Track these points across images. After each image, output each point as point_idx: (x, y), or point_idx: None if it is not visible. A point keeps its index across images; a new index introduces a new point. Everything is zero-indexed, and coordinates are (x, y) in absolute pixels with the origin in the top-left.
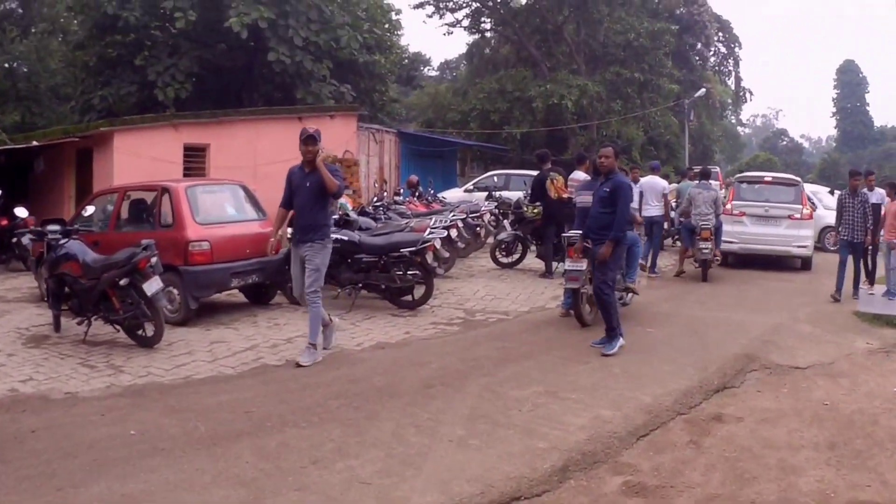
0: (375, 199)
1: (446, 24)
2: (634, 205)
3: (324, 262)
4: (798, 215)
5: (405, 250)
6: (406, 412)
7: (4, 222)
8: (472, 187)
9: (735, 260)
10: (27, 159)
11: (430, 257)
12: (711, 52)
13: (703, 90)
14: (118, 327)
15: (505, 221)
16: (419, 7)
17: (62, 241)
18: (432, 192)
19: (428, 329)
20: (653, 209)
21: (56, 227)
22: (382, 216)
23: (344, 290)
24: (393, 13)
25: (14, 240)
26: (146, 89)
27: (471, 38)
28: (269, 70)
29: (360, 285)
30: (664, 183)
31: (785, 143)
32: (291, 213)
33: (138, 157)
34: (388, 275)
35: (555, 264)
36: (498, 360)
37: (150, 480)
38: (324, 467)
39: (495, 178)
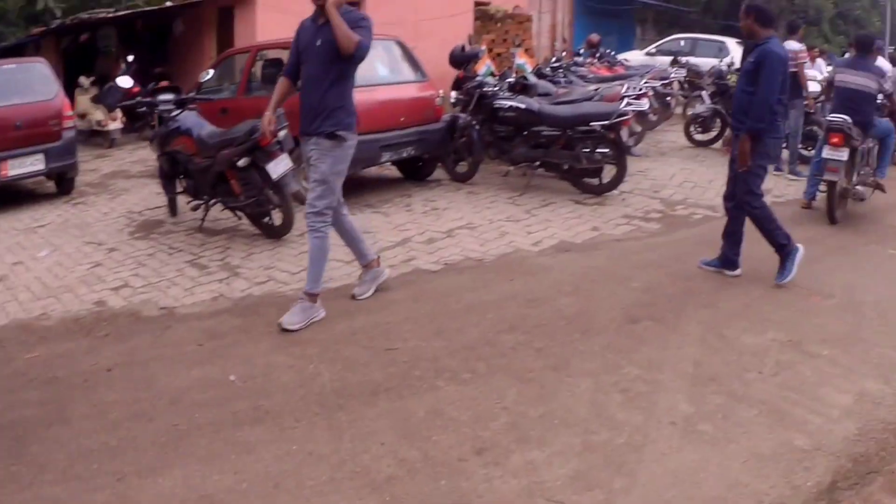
0: (554, 59)
1: None
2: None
3: (336, 169)
4: None
5: (596, 124)
6: (606, 363)
7: (136, 90)
8: (654, 51)
9: None
10: (168, 22)
11: (624, 133)
12: None
13: None
14: (240, 214)
15: (703, 93)
16: None
17: (175, 113)
18: (612, 53)
19: (620, 225)
20: None
21: (168, 97)
22: (562, 80)
23: (517, 168)
24: None
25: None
26: None
27: None
28: None
29: (538, 163)
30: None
31: None
32: None
33: (284, 14)
34: (572, 152)
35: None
36: (717, 282)
37: (243, 471)
38: (493, 462)
39: (682, 42)
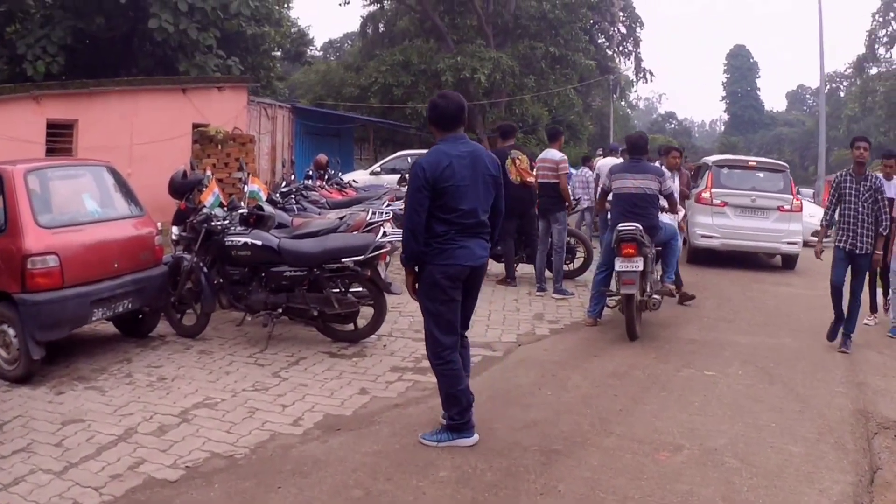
0: (284, 184)
1: None
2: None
3: None
4: (788, 206)
5: (349, 260)
6: None
7: None
8: (379, 169)
9: (704, 255)
10: None
11: (382, 269)
12: (612, 31)
13: (631, 66)
14: None
15: None
16: None
17: None
18: (340, 174)
19: (392, 382)
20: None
21: None
22: (295, 206)
23: (256, 318)
24: None
25: None
26: (16, 64)
27: (365, 11)
28: (150, 42)
29: (280, 310)
30: None
31: (673, 125)
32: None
33: None
34: (321, 295)
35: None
36: (537, 450)
37: None
38: None
39: (409, 159)
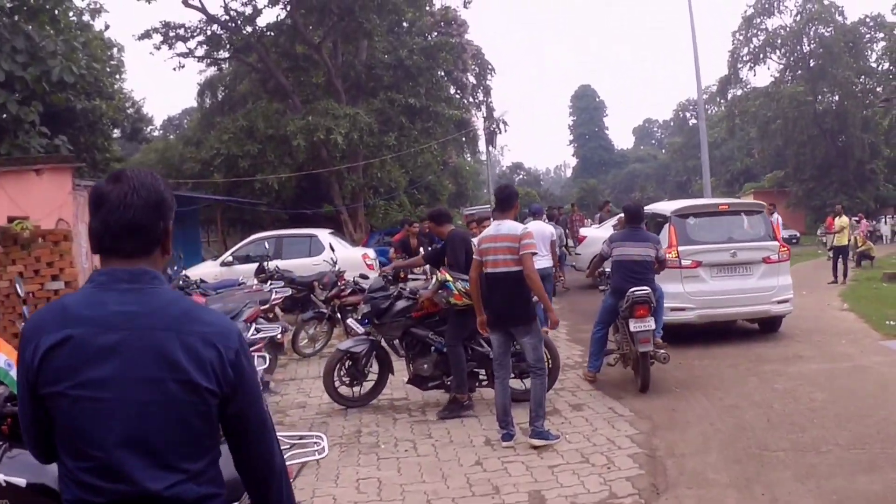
0: None
1: (177, 55)
2: None
3: None
4: (775, 256)
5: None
6: None
7: None
8: (231, 258)
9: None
10: None
11: None
12: (464, 79)
13: (505, 112)
14: None
15: (350, 320)
16: (145, 38)
17: None
18: (184, 273)
19: None
20: (543, 260)
21: None
22: None
23: None
24: (115, 49)
25: None
26: None
27: (202, 77)
28: None
29: None
30: (551, 228)
31: (521, 175)
32: None
33: None
34: None
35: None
36: None
37: None
38: None
39: (266, 244)
